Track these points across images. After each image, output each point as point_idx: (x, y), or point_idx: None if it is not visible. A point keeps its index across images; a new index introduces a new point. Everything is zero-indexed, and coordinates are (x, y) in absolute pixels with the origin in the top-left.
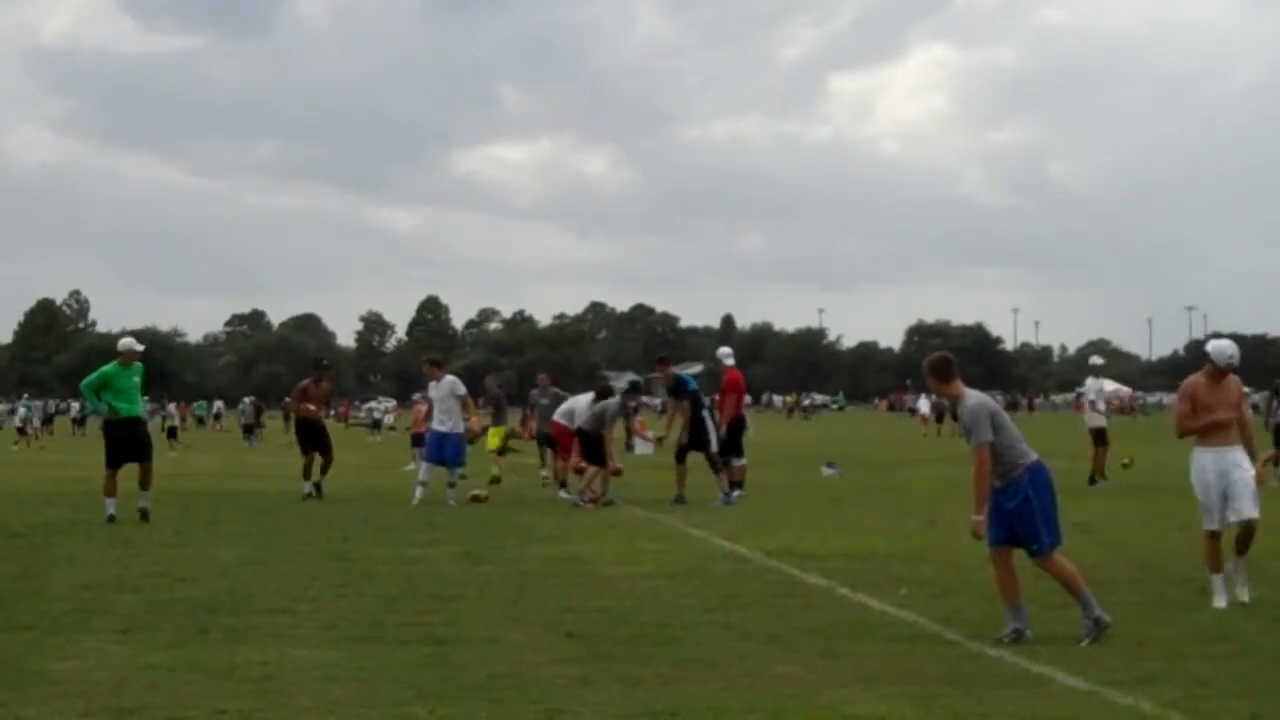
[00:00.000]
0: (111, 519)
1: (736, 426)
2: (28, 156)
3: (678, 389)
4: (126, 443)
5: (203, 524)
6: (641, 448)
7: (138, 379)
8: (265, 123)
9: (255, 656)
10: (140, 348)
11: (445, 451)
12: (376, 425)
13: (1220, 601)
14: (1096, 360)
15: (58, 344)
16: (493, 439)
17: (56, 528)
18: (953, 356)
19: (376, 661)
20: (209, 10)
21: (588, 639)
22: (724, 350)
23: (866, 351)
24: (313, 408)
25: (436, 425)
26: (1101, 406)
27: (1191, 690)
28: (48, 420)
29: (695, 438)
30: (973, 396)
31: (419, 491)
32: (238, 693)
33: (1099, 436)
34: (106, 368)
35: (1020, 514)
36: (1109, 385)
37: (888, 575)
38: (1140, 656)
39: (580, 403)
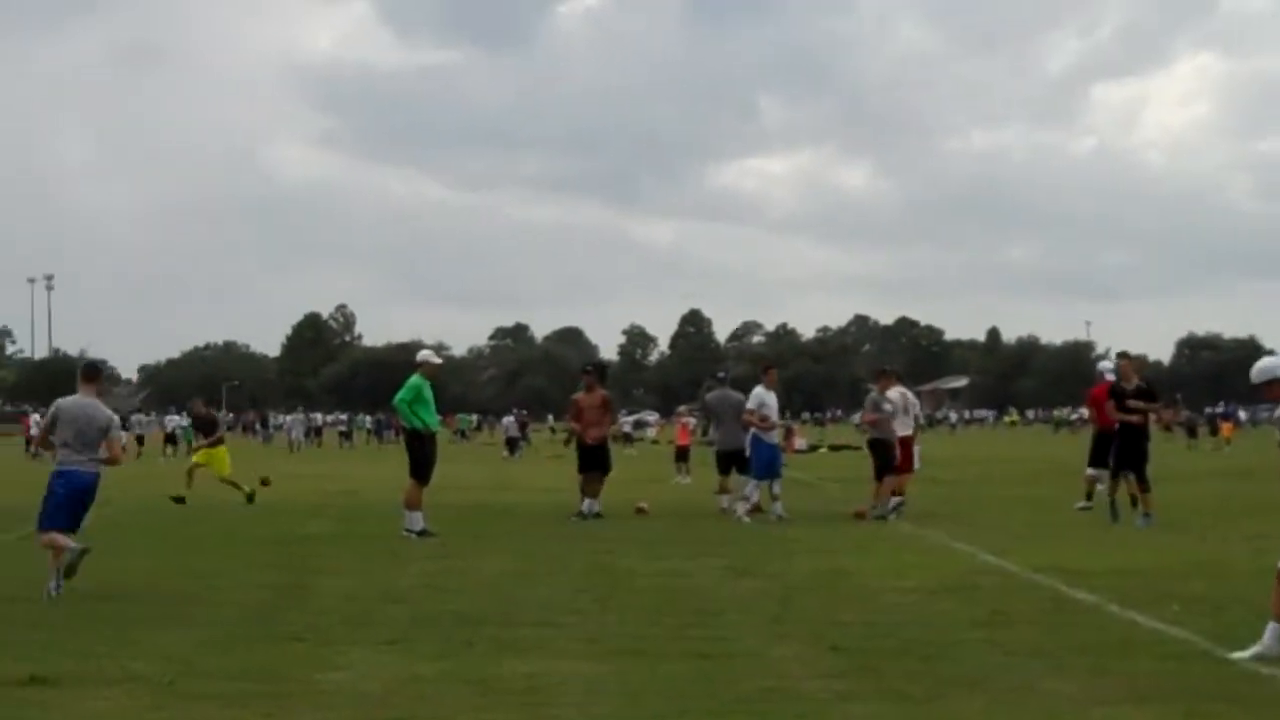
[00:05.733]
0: (424, 533)
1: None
2: (293, 172)
3: None
4: (432, 457)
5: (468, 537)
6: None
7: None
8: (527, 136)
9: (520, 668)
10: (439, 360)
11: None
12: (628, 439)
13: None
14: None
15: (324, 357)
16: None
17: (323, 539)
18: None
19: (640, 675)
20: (469, 25)
21: (852, 653)
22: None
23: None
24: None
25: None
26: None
27: None
28: (316, 432)
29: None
30: None
31: (742, 506)
32: (503, 704)
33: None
34: (416, 380)
35: None
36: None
37: (1158, 591)
38: None
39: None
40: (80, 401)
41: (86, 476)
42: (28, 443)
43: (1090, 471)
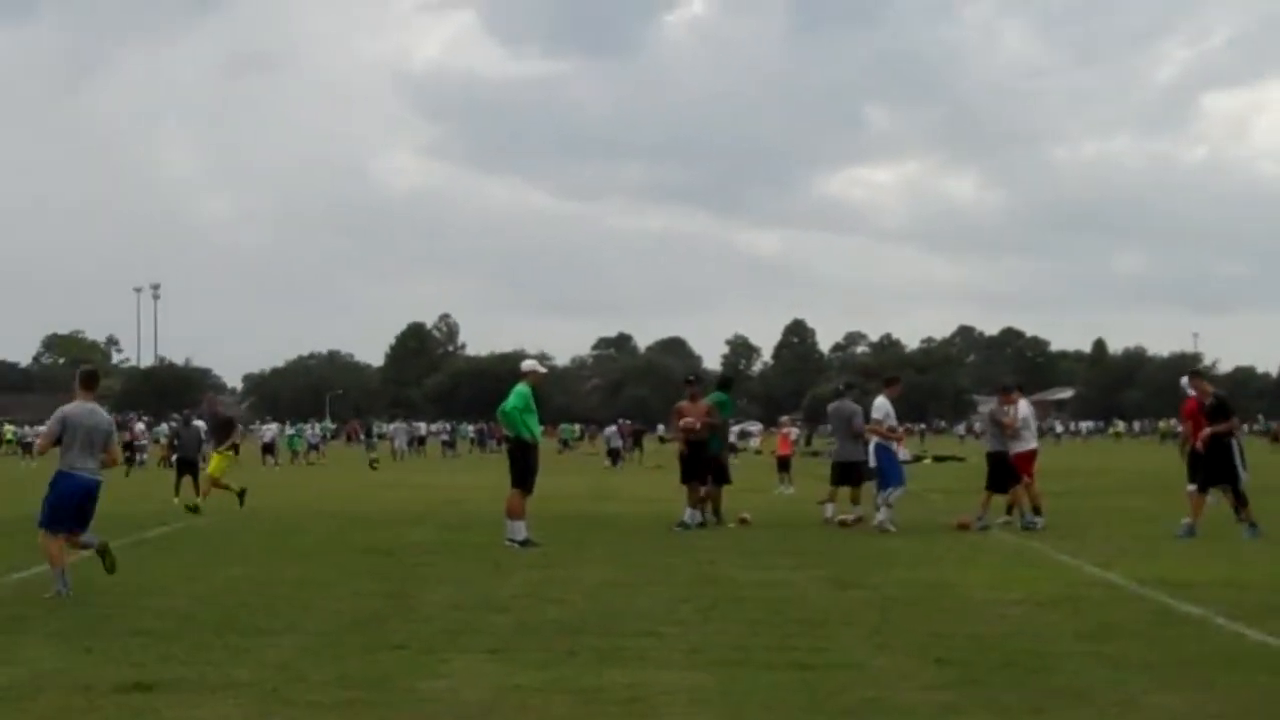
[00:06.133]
0: (526, 542)
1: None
2: (398, 181)
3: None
4: (535, 467)
5: (570, 546)
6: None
7: None
8: (631, 145)
9: (622, 678)
10: (544, 370)
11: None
12: (731, 449)
13: None
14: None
15: (428, 367)
16: None
17: (426, 547)
18: None
19: (743, 686)
20: (575, 35)
21: (956, 665)
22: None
23: (1243, 377)
24: (696, 426)
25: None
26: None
27: None
28: (419, 441)
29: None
30: None
31: (885, 513)
32: (605, 714)
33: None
34: (524, 389)
35: None
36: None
37: (1266, 604)
38: None
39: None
40: (85, 408)
41: (90, 481)
42: (131, 451)
43: (1192, 488)
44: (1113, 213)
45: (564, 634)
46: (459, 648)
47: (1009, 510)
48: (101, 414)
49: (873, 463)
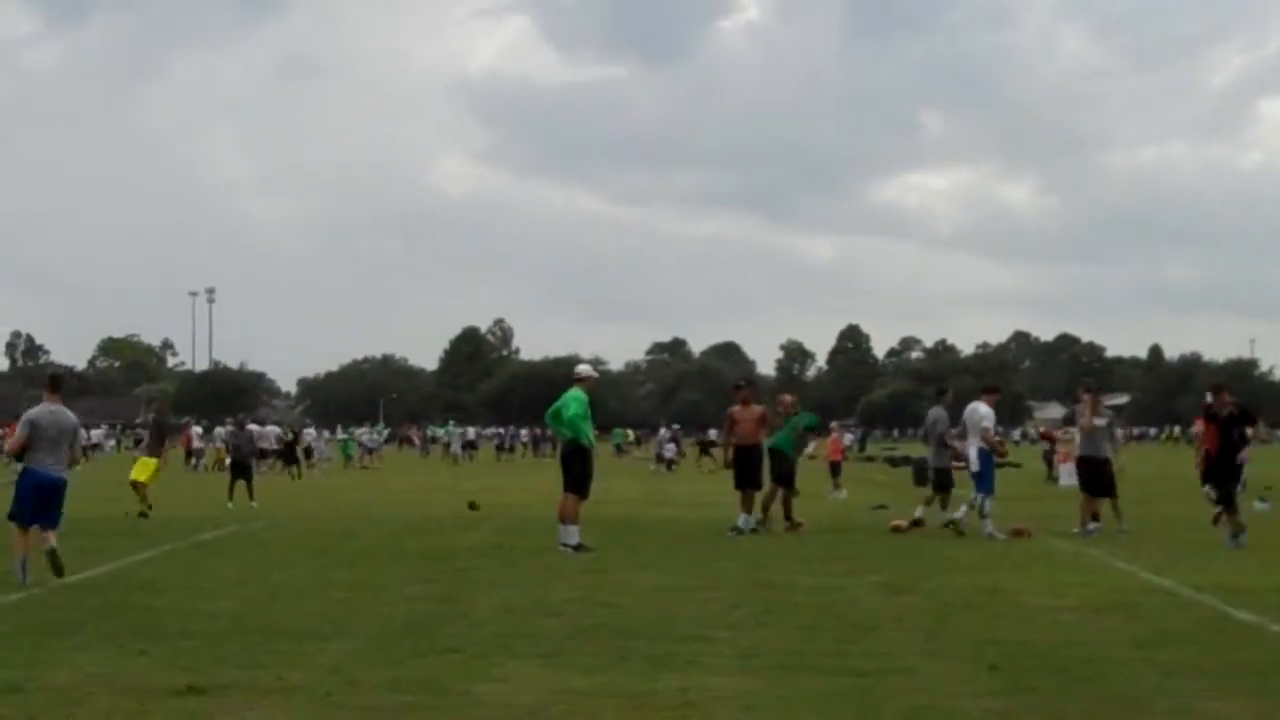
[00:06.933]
0: (579, 547)
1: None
2: (452, 186)
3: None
4: (591, 472)
5: (622, 550)
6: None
7: None
8: (684, 151)
9: (674, 684)
10: (597, 374)
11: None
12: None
13: None
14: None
15: (482, 371)
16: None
17: (479, 552)
18: None
19: (795, 691)
20: (630, 41)
21: (1010, 672)
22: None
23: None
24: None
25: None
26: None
27: None
28: (471, 445)
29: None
30: None
31: (989, 524)
32: (656, 719)
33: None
34: (580, 394)
35: None
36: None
37: None
38: None
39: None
40: (51, 410)
41: (55, 477)
42: (188, 454)
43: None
44: (1168, 218)
45: (616, 638)
46: (511, 652)
47: (1090, 521)
48: (67, 415)
49: (975, 468)
